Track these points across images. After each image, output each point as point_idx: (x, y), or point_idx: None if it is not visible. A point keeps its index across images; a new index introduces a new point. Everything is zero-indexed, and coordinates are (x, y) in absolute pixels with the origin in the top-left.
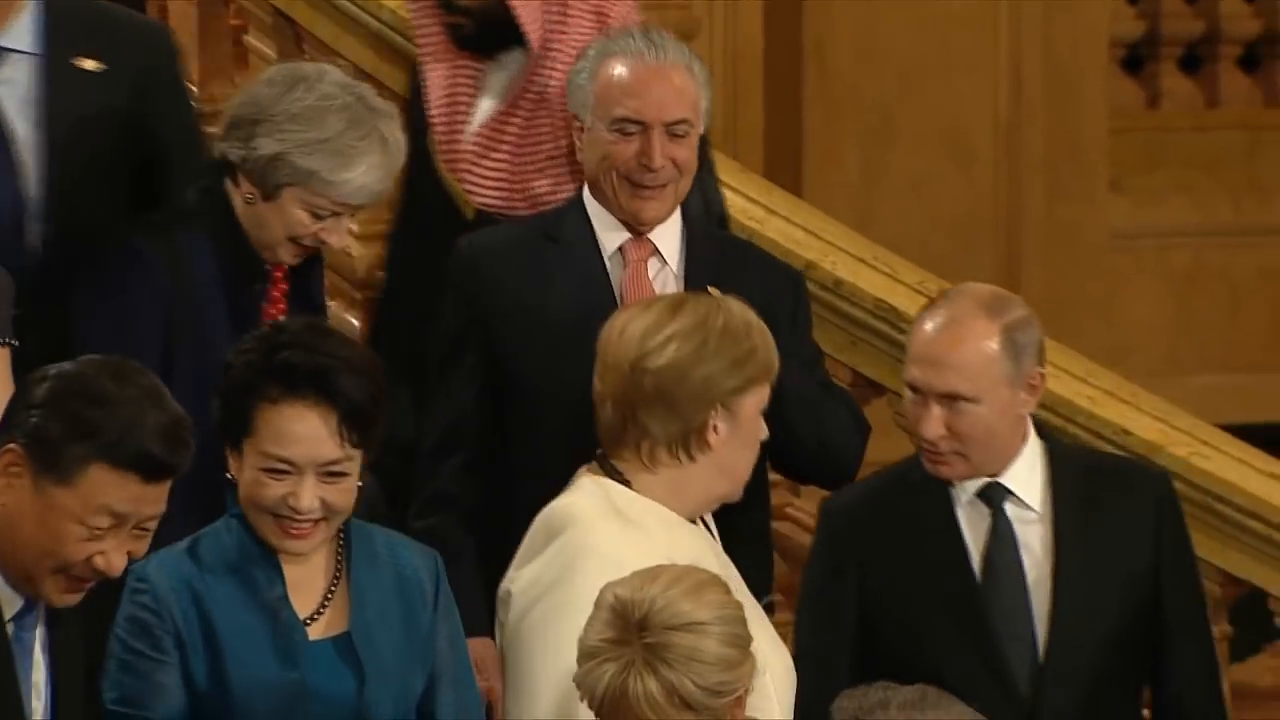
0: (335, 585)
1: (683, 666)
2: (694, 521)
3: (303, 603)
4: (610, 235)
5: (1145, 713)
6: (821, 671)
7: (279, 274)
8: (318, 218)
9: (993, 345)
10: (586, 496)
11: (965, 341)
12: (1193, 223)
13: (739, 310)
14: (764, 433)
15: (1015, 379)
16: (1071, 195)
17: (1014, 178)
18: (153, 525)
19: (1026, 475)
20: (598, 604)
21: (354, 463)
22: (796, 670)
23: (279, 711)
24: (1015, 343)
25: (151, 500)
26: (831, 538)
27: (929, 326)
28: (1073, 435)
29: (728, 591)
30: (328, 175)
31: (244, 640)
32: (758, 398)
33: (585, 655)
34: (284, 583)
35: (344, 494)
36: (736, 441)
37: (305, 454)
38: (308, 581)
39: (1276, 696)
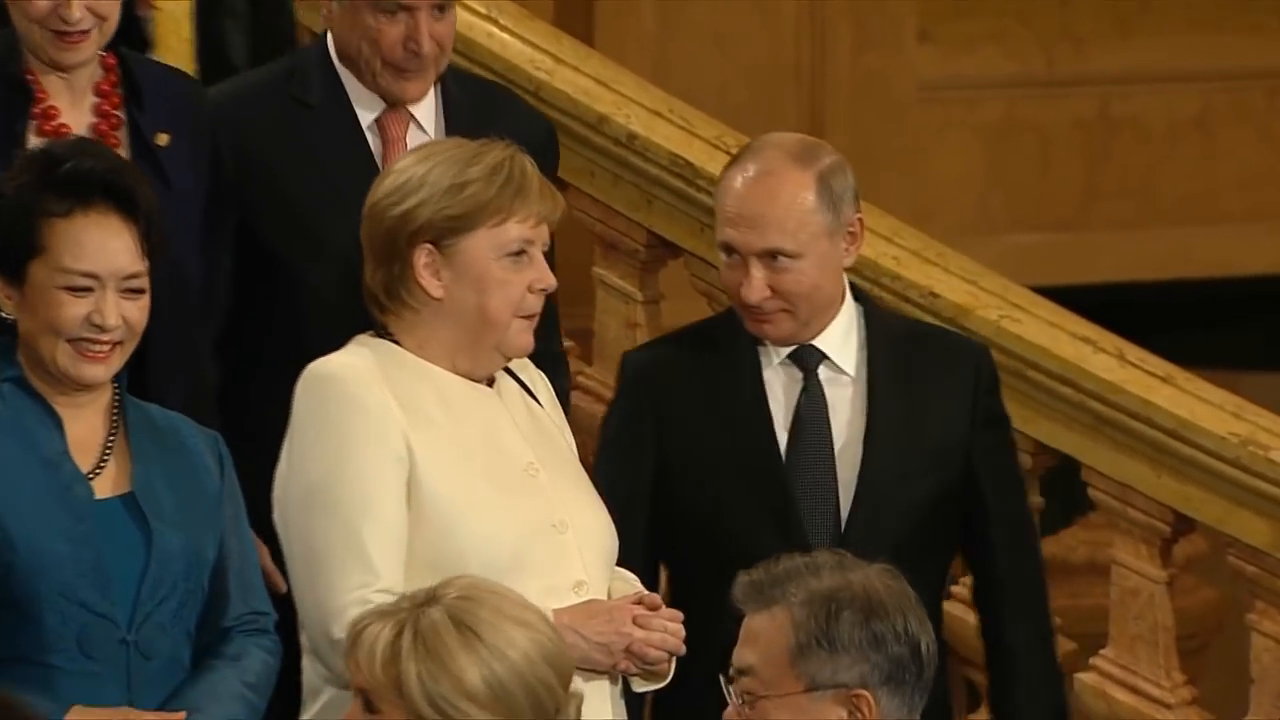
0: (113, 442)
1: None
2: (490, 382)
3: (83, 461)
4: (365, 105)
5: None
6: (619, 522)
7: (107, 107)
8: None
9: (809, 196)
10: (349, 354)
11: (780, 195)
12: (1004, 73)
13: (484, 152)
14: (525, 278)
15: (835, 229)
16: (878, 44)
17: (817, 25)
18: None
19: (842, 338)
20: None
21: (148, 279)
22: None
23: (66, 569)
24: (831, 190)
25: None
26: (631, 387)
27: (739, 183)
28: (877, 299)
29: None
30: None
31: (25, 498)
32: (488, 240)
33: None
34: (65, 439)
35: (143, 312)
36: (467, 288)
37: (108, 265)
38: (86, 440)
39: (1089, 571)
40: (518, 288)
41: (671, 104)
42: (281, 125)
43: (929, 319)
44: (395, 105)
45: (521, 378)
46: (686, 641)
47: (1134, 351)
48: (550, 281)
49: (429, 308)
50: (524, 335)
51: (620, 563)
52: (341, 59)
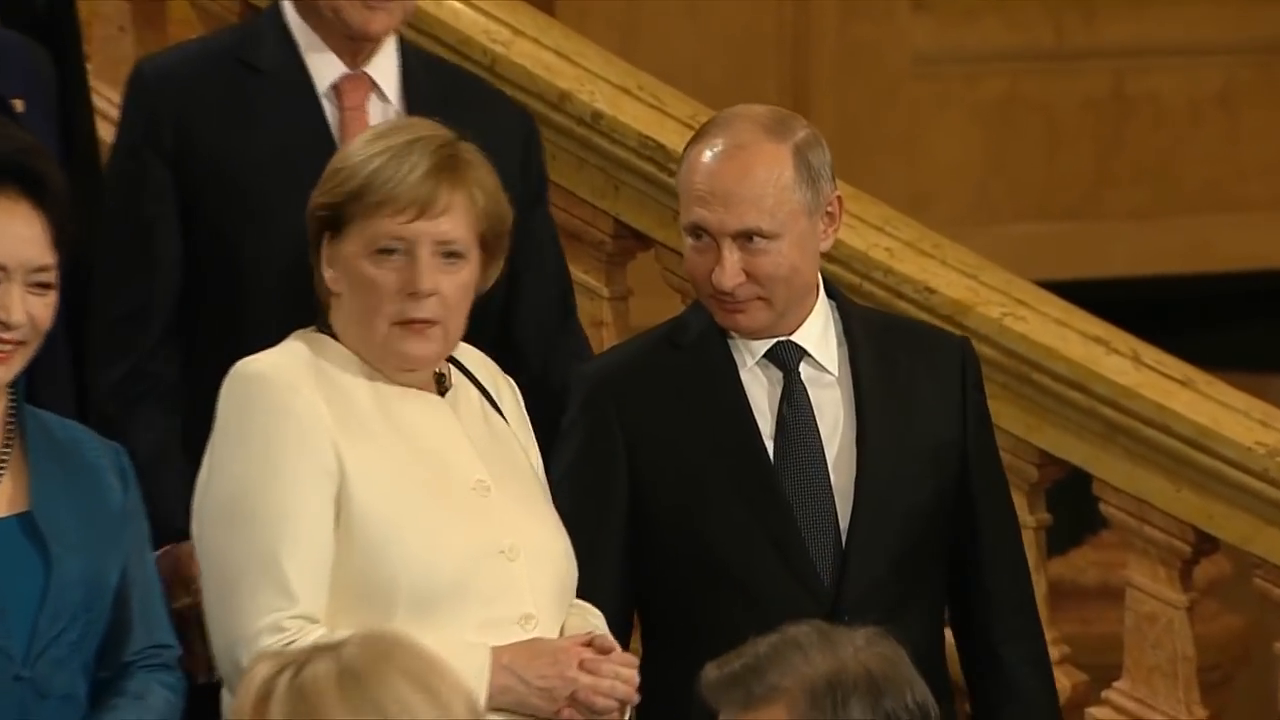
0: (7, 455)
1: None
2: (444, 390)
3: None
4: (321, 68)
5: None
6: (587, 557)
7: None
8: None
9: (786, 171)
10: (282, 353)
11: (755, 170)
12: (1007, 45)
13: (390, 132)
14: (397, 280)
15: (814, 207)
16: (868, 13)
17: None
18: None
19: (820, 334)
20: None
21: (56, 274)
22: None
23: None
24: (809, 165)
25: None
26: (591, 401)
27: (707, 158)
28: (868, 294)
29: None
30: None
31: None
32: (359, 234)
33: None
34: None
35: (50, 310)
36: (347, 286)
37: (16, 256)
38: None
39: (1102, 595)
40: (386, 291)
41: (640, 80)
42: (227, 93)
43: (924, 316)
44: (355, 64)
45: (485, 385)
46: (674, 686)
47: (1150, 353)
48: (420, 286)
49: (338, 304)
50: (409, 343)
51: (588, 602)
52: (299, 7)
